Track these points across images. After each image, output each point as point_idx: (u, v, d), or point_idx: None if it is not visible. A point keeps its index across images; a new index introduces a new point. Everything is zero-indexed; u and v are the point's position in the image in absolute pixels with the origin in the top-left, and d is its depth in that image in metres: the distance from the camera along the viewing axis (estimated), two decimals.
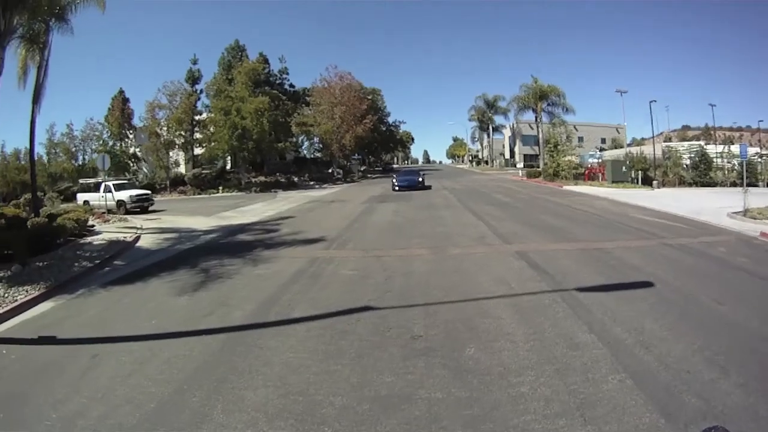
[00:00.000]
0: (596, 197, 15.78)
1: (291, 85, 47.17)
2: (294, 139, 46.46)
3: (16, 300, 6.02)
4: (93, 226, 12.19)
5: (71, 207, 14.39)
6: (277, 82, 44.79)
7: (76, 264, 7.91)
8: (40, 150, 34.59)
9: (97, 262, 8.20)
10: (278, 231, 11.60)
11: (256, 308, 5.09)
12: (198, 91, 38.01)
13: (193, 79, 38.29)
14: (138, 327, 4.70)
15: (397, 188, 23.29)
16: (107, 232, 11.55)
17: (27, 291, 6.38)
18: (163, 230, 12.76)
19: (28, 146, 11.74)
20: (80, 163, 32.00)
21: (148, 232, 12.34)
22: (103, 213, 14.92)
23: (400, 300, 4.98)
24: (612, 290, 5.05)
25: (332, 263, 7.29)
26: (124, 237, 10.65)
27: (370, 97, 47.65)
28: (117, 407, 2.91)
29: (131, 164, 33.50)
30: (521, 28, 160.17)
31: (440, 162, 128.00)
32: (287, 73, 46.51)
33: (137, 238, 10.93)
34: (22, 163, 32.77)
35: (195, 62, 38.94)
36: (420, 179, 23.98)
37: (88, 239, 10.22)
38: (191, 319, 4.87)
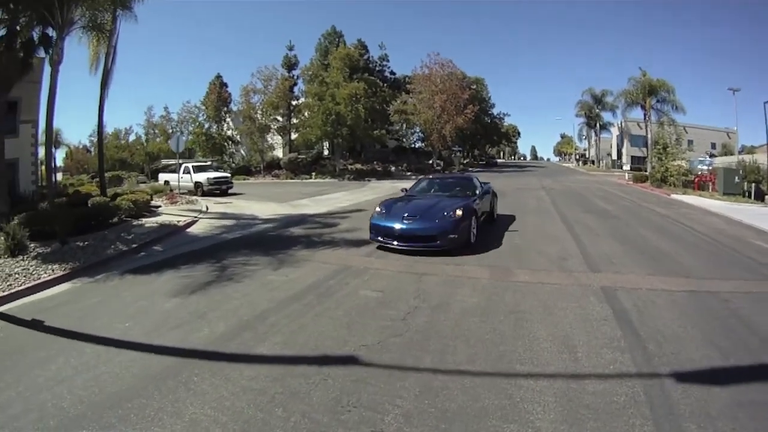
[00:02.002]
0: (707, 212, 13.76)
1: (392, 73, 50.07)
2: (395, 128, 48.71)
3: (40, 278, 6.53)
4: (158, 206, 13.34)
5: (146, 187, 16.06)
6: (377, 69, 47.60)
7: (113, 247, 8.45)
8: (139, 130, 41.65)
9: (134, 246, 8.70)
10: (336, 226, 11.34)
11: (227, 330, 4.51)
12: (294, 77, 41.33)
13: (290, 64, 41.93)
14: (111, 327, 4.76)
15: (380, 239, 8.17)
16: (167, 214, 12.50)
17: (53, 270, 6.96)
18: (224, 216, 13.41)
19: (97, 127, 13.68)
20: None
21: (208, 216, 13.09)
22: (176, 193, 16.36)
23: (404, 354, 3.79)
24: (726, 383, 3.19)
25: (361, 277, 6.43)
26: (178, 221, 11.28)
27: (473, 87, 49.15)
28: (27, 412, 3.07)
29: (227, 146, 37.00)
30: (629, 21, 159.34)
31: (547, 159, 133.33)
32: (387, 60, 49.78)
33: (191, 223, 11.56)
34: (122, 141, 39.25)
35: (291, 48, 42.78)
36: (459, 211, 7.85)
37: (143, 221, 11.11)
38: (158, 330, 4.66)
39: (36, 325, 4.92)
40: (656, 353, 3.68)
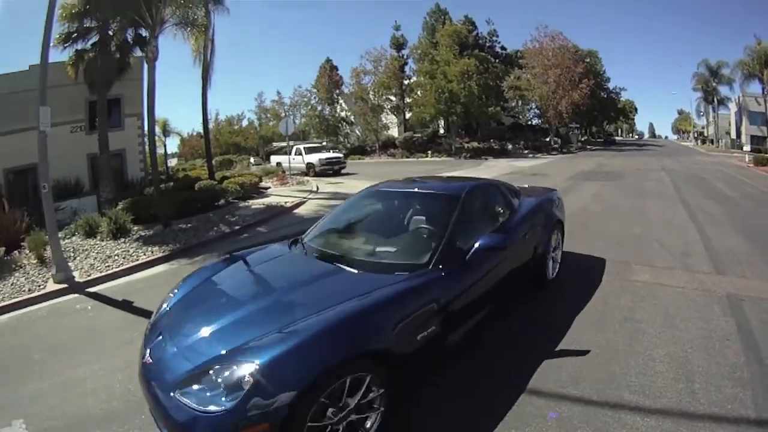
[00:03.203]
0: None
1: (502, 48, 50.57)
2: (510, 104, 49.34)
3: (138, 259, 6.65)
4: (267, 188, 13.55)
5: (259, 169, 16.63)
6: (487, 45, 48.36)
7: (215, 229, 8.47)
8: (251, 116, 46.68)
9: (237, 228, 8.66)
10: None
11: None
12: (404, 57, 42.56)
13: (398, 44, 42.91)
14: None
15: None
16: (276, 195, 12.61)
17: (152, 252, 7.07)
18: (333, 196, 13.16)
19: (201, 115, 14.84)
20: None
21: (317, 197, 12.95)
22: (286, 175, 16.80)
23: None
24: None
25: None
26: (285, 202, 11.20)
27: (587, 60, 50.13)
28: (95, 391, 3.32)
29: (341, 127, 38.79)
30: None
31: (665, 137, 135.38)
32: (497, 36, 50.25)
33: (299, 204, 11.43)
34: (235, 127, 43.25)
35: (398, 28, 43.83)
36: None
37: (250, 202, 11.27)
38: None
39: (125, 305, 5.20)
40: None
